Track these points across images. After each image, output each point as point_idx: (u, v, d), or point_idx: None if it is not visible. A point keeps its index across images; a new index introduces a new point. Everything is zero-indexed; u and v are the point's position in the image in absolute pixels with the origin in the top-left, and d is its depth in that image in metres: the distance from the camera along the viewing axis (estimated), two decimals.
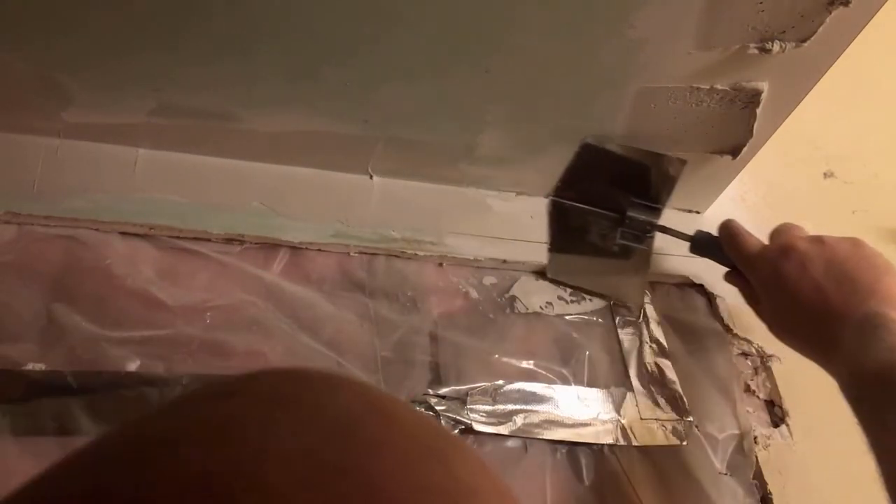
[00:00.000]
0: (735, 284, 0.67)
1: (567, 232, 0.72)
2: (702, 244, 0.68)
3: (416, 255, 0.68)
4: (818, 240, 0.60)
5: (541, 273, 0.72)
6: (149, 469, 0.20)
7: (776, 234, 0.64)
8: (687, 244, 0.69)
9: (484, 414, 0.61)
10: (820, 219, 0.86)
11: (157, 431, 0.22)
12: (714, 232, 0.68)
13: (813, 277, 0.57)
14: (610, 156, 0.69)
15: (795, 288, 0.58)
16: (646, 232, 0.70)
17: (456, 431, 0.60)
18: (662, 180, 0.70)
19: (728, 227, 0.66)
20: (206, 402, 0.24)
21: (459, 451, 0.24)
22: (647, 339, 0.71)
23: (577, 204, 0.72)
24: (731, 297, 0.75)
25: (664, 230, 0.69)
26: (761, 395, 0.71)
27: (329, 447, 0.21)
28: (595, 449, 0.63)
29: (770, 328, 0.63)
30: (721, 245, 0.66)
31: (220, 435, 0.21)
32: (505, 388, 0.63)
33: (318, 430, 0.22)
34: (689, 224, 0.80)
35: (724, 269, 0.70)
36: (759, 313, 0.64)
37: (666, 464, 0.63)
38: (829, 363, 0.56)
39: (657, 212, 0.70)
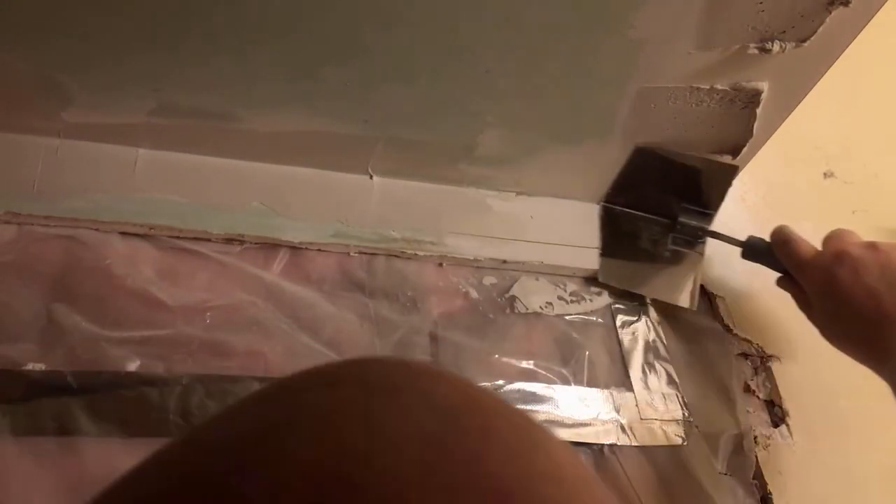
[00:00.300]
0: (788, 290, 0.67)
1: (618, 237, 0.73)
2: (754, 250, 0.68)
3: (416, 255, 0.68)
4: (872, 245, 0.60)
5: (593, 279, 0.73)
6: (257, 459, 0.20)
7: (829, 239, 0.64)
8: (739, 249, 0.70)
9: None
10: (820, 219, 0.86)
11: (260, 421, 0.22)
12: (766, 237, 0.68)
13: (867, 283, 0.57)
14: (661, 161, 0.69)
15: (849, 293, 0.58)
16: (697, 237, 0.71)
17: None
18: (714, 185, 0.70)
19: (780, 233, 0.66)
20: (309, 391, 0.24)
21: (554, 440, 0.24)
22: (648, 339, 0.71)
23: (628, 209, 0.73)
24: (731, 298, 0.76)
25: (716, 236, 0.70)
26: (761, 396, 0.71)
27: (441, 434, 0.21)
28: (595, 449, 0.63)
29: (822, 333, 0.63)
30: (773, 251, 0.66)
31: (328, 422, 0.21)
32: (505, 389, 0.63)
33: (428, 418, 0.22)
34: None
35: (735, 273, 0.71)
36: (812, 318, 0.64)
37: (666, 464, 0.63)
38: (882, 369, 0.56)
39: (709, 217, 0.71)
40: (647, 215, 0.73)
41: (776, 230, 0.66)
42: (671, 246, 0.72)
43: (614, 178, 0.72)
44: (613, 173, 0.73)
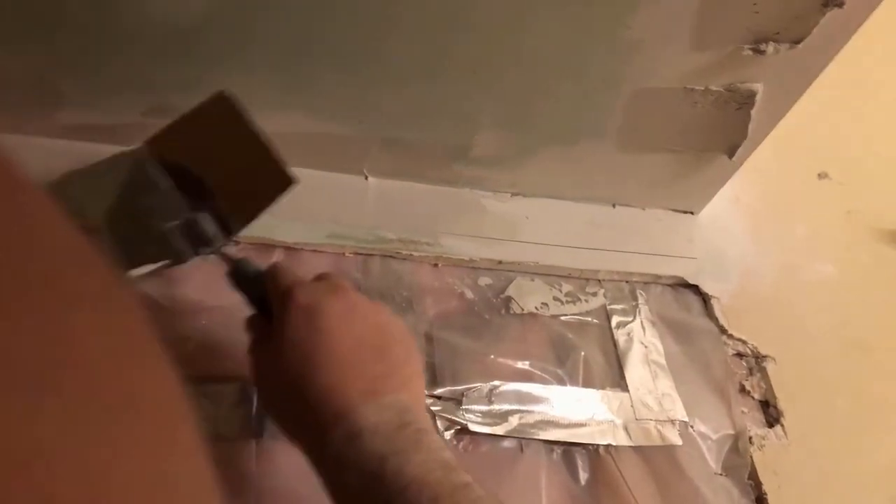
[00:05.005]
0: (253, 329, 0.52)
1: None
2: (242, 273, 0.53)
3: (411, 255, 0.68)
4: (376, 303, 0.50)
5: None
6: None
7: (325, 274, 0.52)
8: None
9: (479, 414, 0.61)
10: (814, 220, 0.87)
11: None
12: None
13: (358, 332, 0.46)
14: (231, 126, 0.54)
15: (333, 332, 0.46)
16: (203, 244, 0.55)
17: (451, 432, 0.60)
18: (255, 193, 0.56)
19: (274, 264, 0.53)
20: None
21: None
22: (642, 340, 0.71)
23: (164, 167, 0.57)
24: (725, 298, 0.76)
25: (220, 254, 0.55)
26: (756, 396, 0.71)
27: None
28: (591, 449, 0.63)
29: (265, 382, 0.49)
30: (261, 277, 0.51)
31: None
32: (501, 389, 0.63)
33: None
34: (684, 224, 0.80)
35: (729, 274, 0.70)
36: (263, 363, 0.49)
37: (661, 464, 0.63)
38: (313, 446, 0.45)
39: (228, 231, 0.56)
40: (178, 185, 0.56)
41: (273, 264, 0.53)
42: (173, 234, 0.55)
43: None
44: (611, 173, 0.73)
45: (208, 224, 0.54)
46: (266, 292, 0.49)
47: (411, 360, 0.48)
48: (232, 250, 0.54)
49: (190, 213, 0.54)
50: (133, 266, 0.53)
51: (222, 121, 0.54)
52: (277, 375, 0.46)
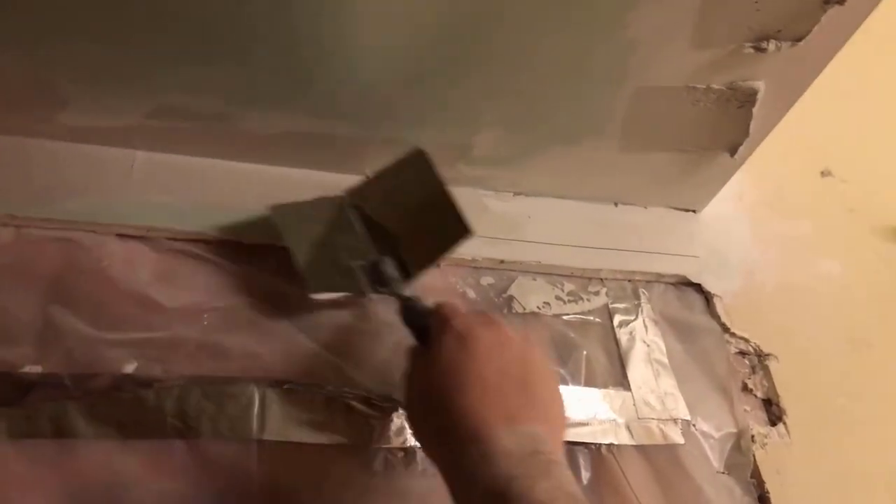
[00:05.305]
0: (412, 358, 0.53)
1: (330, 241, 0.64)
2: (412, 310, 0.57)
3: None
4: (525, 338, 0.52)
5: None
6: None
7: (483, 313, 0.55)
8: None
9: None
10: (817, 217, 0.87)
11: None
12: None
13: (501, 365, 0.48)
14: (422, 183, 0.62)
15: (479, 358, 0.48)
16: (384, 286, 0.61)
17: None
18: (434, 240, 0.62)
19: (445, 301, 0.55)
20: None
21: None
22: (645, 339, 0.71)
23: (363, 215, 0.65)
24: (728, 296, 0.76)
25: (402, 299, 0.59)
26: (759, 394, 0.71)
27: None
28: (593, 448, 0.63)
29: (413, 394, 0.51)
30: (429, 311, 0.55)
31: None
32: None
33: None
34: (686, 223, 0.80)
35: (732, 272, 0.72)
36: (416, 379, 0.51)
37: (663, 463, 0.63)
38: (446, 463, 0.47)
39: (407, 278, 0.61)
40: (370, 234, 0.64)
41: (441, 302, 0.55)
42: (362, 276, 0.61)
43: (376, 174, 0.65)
44: (613, 172, 0.73)
45: (390, 268, 0.61)
46: (429, 325, 0.53)
47: (554, 399, 0.50)
48: (406, 291, 0.60)
49: (376, 255, 0.62)
50: (319, 290, 0.61)
51: (415, 173, 0.62)
52: (427, 392, 0.49)
